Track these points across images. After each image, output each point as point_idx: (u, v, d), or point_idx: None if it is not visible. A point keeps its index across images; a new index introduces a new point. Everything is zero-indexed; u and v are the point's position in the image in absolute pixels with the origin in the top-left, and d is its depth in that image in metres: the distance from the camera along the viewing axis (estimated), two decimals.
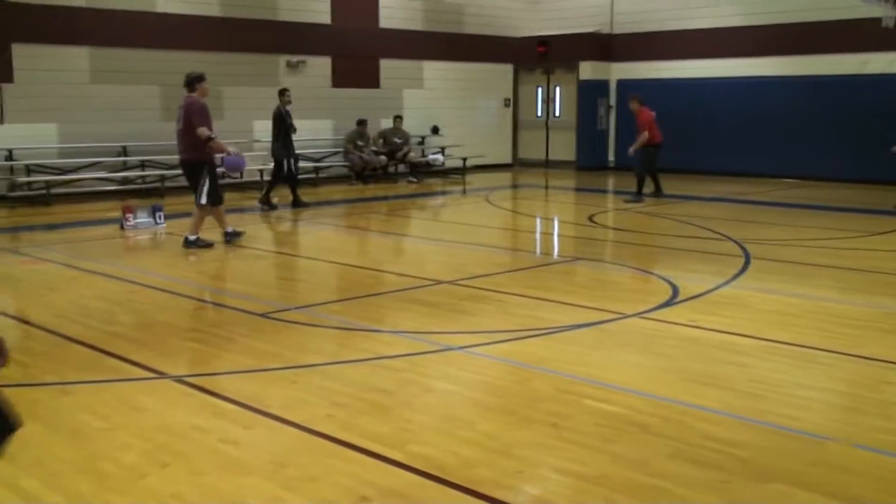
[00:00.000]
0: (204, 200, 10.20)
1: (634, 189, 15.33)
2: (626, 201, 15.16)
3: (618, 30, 21.63)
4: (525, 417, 4.79)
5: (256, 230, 12.70)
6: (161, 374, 5.57)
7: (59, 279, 8.67)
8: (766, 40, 19.17)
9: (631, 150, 15.40)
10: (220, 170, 10.83)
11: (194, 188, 10.37)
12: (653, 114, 15.19)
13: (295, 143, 15.38)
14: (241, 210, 15.09)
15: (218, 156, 10.55)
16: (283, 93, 14.79)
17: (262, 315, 7.11)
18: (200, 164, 10.23)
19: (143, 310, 7.32)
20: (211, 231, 10.89)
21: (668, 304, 7.44)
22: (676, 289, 7.98)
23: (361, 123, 18.72)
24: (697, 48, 20.25)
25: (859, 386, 5.35)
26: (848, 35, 17.84)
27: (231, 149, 10.52)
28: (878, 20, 16.21)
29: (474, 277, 8.61)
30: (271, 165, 18.12)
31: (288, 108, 14.66)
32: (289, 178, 14.86)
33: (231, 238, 10.50)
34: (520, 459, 4.22)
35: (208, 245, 10.25)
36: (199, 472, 4.09)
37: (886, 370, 5.66)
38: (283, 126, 14.55)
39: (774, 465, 4.14)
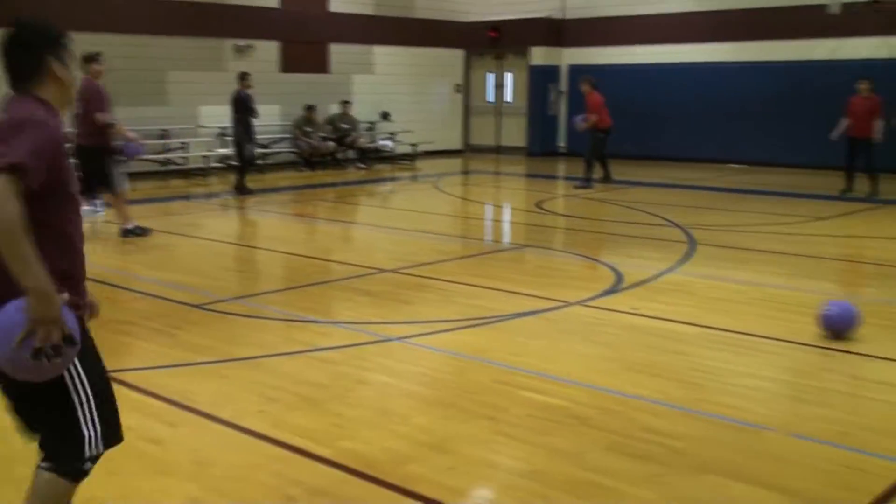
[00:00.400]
0: (126, 185, 9.87)
1: (583, 175, 15.28)
2: (576, 187, 15.12)
3: (570, 15, 21.55)
4: (462, 410, 4.67)
5: (200, 218, 12.44)
6: None
7: None
8: (716, 26, 19.21)
9: (582, 125, 15.20)
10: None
11: (90, 175, 9.84)
12: (602, 98, 15.12)
13: (261, 128, 15.68)
14: (187, 197, 14.80)
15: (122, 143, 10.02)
16: (243, 77, 14.62)
17: (198, 306, 6.90)
18: (101, 151, 9.78)
19: None
20: (147, 219, 10.64)
21: (611, 291, 7.37)
22: (621, 276, 7.92)
23: (309, 109, 18.47)
24: (649, 34, 20.24)
25: (800, 374, 5.31)
26: (796, 21, 17.94)
27: (131, 134, 10.12)
28: (822, 6, 16.31)
29: (419, 265, 8.47)
30: (220, 151, 17.90)
31: (248, 91, 14.48)
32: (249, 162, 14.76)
33: (127, 234, 9.96)
34: (454, 455, 4.10)
35: (146, 232, 9.96)
36: (117, 472, 3.90)
37: (827, 357, 5.63)
38: (244, 110, 14.34)
39: (712, 457, 4.07)
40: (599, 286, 7.51)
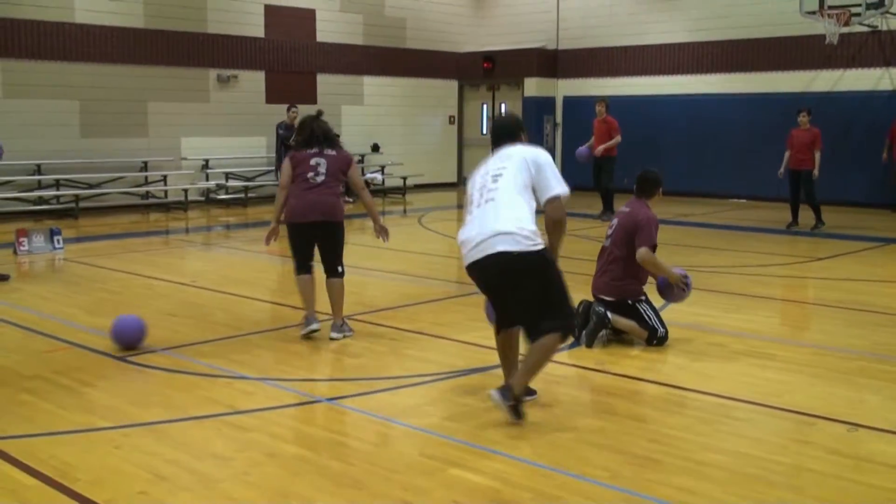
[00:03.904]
0: None
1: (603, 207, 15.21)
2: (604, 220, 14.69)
3: (564, 45, 21.07)
4: (374, 494, 4.03)
5: (165, 256, 11.88)
6: None
7: None
8: (713, 57, 18.73)
9: (601, 149, 14.81)
10: None
11: None
12: None
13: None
14: (166, 232, 14.28)
15: None
16: (288, 109, 15.50)
17: (121, 359, 6.31)
18: None
19: None
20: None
21: (578, 342, 6.73)
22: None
23: None
24: (644, 64, 19.76)
25: (772, 448, 4.64)
26: (795, 52, 17.43)
27: None
28: (822, 37, 15.77)
29: (375, 311, 7.87)
30: (201, 184, 17.48)
31: (286, 122, 15.26)
32: None
33: None
34: None
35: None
36: None
37: (806, 426, 4.97)
38: (279, 141, 15.04)
39: None
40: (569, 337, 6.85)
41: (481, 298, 7.80)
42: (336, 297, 6.87)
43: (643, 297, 6.70)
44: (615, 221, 6.83)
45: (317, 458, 4.44)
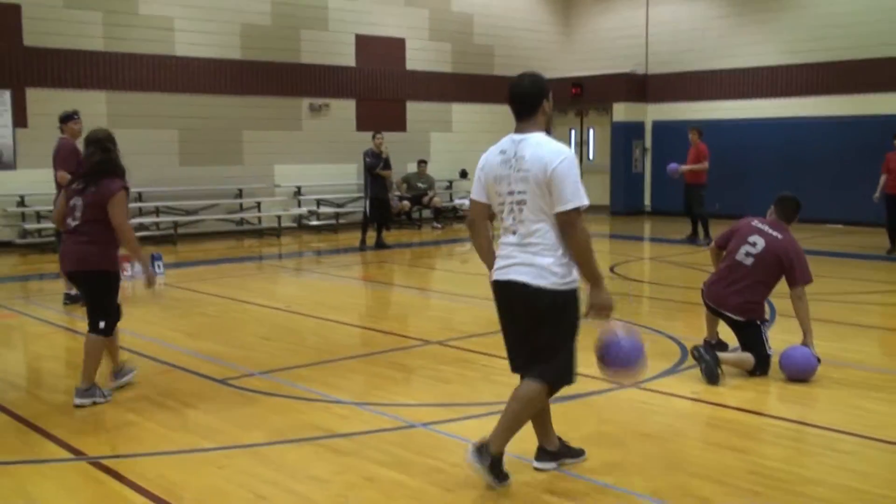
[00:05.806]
0: None
1: (703, 234, 15.17)
2: (700, 244, 14.57)
3: (653, 70, 20.92)
4: None
5: (259, 281, 12.16)
6: (78, 455, 4.94)
7: (24, 335, 8.19)
8: (807, 79, 18.34)
9: (684, 169, 14.98)
10: None
11: None
12: None
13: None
14: (260, 258, 14.61)
15: None
16: (373, 136, 15.24)
17: (221, 381, 6.48)
18: None
19: None
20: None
21: (672, 370, 6.65)
22: (686, 352, 7.18)
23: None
24: (735, 88, 19.47)
25: (880, 482, 4.50)
26: (893, 73, 16.93)
27: None
28: None
29: (467, 337, 7.91)
30: (293, 210, 17.90)
31: (373, 149, 14.98)
32: (368, 219, 15.19)
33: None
34: None
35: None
36: None
37: None
38: (365, 169, 15.05)
39: None
40: (659, 364, 6.78)
41: None
42: (85, 354, 5.93)
43: (767, 320, 6.64)
44: (762, 243, 6.52)
45: (413, 483, 4.49)
